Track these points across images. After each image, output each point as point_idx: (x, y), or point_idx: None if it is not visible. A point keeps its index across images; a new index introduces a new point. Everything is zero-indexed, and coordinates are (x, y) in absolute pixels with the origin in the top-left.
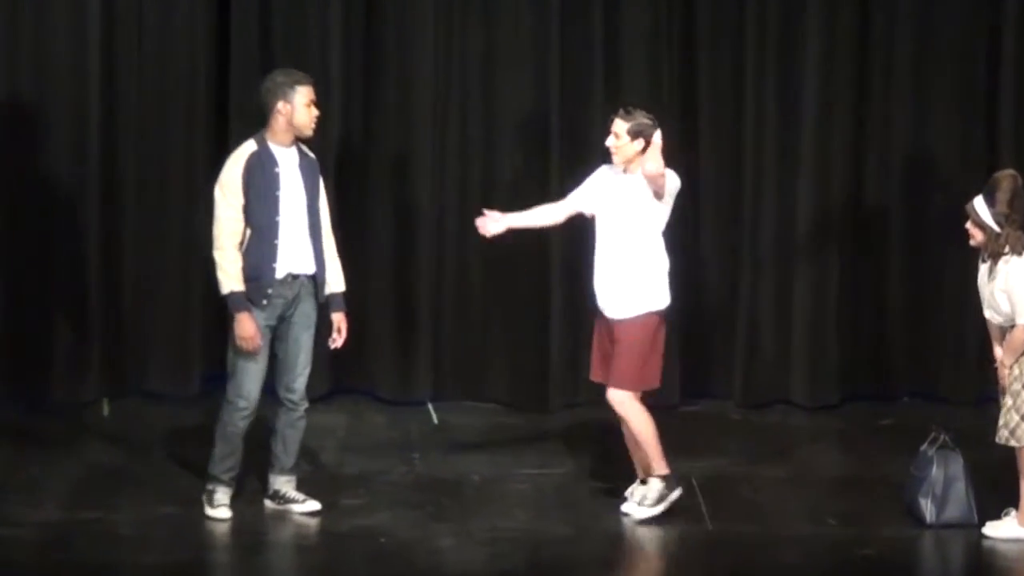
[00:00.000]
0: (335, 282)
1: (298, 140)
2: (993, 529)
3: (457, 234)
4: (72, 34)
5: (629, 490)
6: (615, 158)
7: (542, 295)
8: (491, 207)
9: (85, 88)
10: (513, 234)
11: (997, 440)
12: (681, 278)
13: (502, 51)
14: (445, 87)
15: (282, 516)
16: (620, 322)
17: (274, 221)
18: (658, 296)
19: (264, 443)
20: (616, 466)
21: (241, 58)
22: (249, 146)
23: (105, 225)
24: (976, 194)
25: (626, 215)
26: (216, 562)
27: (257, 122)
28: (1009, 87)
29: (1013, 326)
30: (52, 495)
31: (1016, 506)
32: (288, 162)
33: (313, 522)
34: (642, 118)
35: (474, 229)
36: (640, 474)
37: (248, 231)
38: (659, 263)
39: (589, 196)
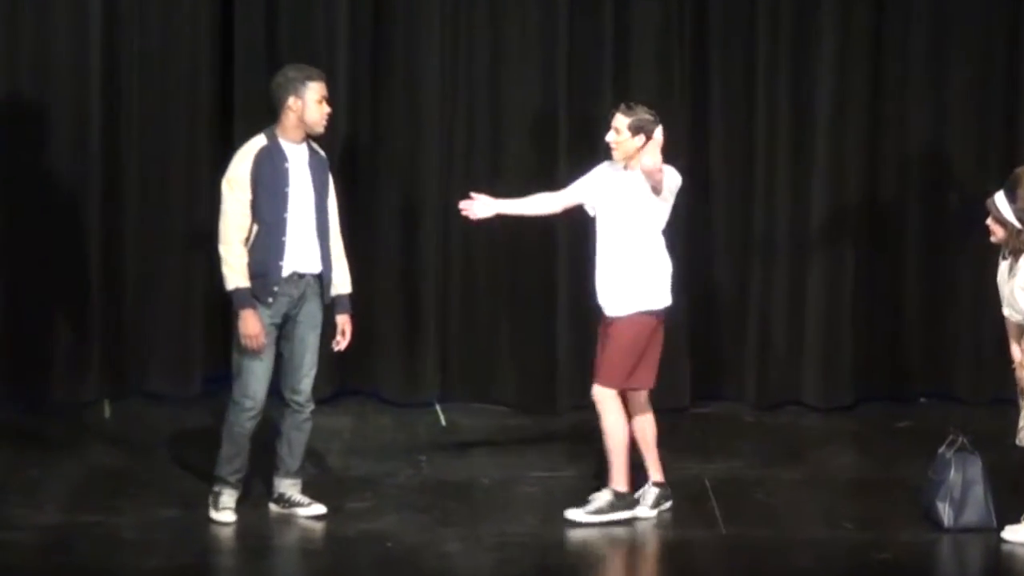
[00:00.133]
0: (341, 283)
1: (309, 137)
2: (1012, 533)
3: (464, 235)
4: (73, 31)
5: (639, 492)
6: (615, 154)
7: (549, 296)
8: None
9: (86, 85)
10: (512, 233)
11: (1017, 442)
12: (693, 278)
13: (510, 49)
14: (452, 86)
15: (287, 520)
16: (615, 319)
17: (282, 218)
18: (655, 296)
19: (269, 446)
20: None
21: (245, 54)
22: (259, 140)
23: (106, 224)
24: (995, 190)
25: (625, 212)
26: (220, 567)
27: (262, 121)
28: None
29: None
30: (52, 497)
31: None
32: (298, 159)
33: (319, 526)
34: (644, 114)
35: (481, 229)
36: (652, 476)
37: (255, 227)
38: (658, 262)
39: (587, 189)
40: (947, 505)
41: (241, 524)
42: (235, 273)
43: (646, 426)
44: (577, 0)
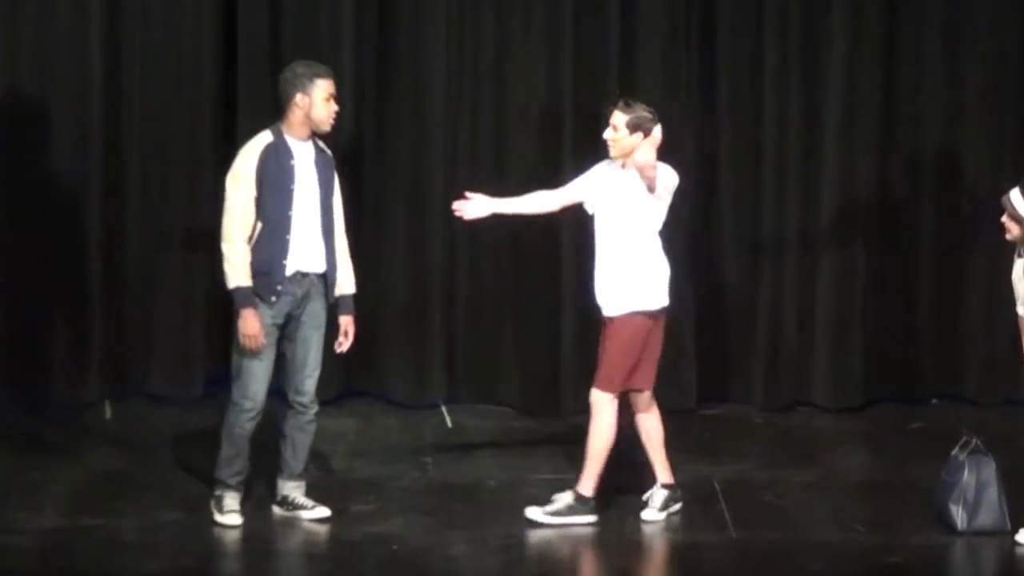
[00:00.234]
0: (346, 284)
1: (315, 135)
2: None
3: (470, 236)
4: (74, 26)
5: (647, 494)
6: (612, 151)
7: (554, 298)
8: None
9: (87, 81)
10: (517, 235)
11: None
12: (702, 279)
13: (515, 49)
14: (458, 86)
15: (291, 523)
16: (610, 320)
17: (286, 216)
18: (650, 296)
19: (272, 447)
20: (632, 471)
21: (248, 49)
22: (265, 137)
23: (107, 224)
24: (1010, 188)
25: (621, 210)
26: (223, 571)
27: (265, 117)
28: None
29: None
30: (53, 500)
31: None
32: (304, 156)
33: (323, 529)
34: (642, 111)
35: (485, 230)
36: (660, 478)
37: (259, 224)
38: (654, 263)
39: (585, 188)
40: (960, 508)
41: (244, 527)
42: (237, 271)
43: (652, 427)
44: (582, 1)
